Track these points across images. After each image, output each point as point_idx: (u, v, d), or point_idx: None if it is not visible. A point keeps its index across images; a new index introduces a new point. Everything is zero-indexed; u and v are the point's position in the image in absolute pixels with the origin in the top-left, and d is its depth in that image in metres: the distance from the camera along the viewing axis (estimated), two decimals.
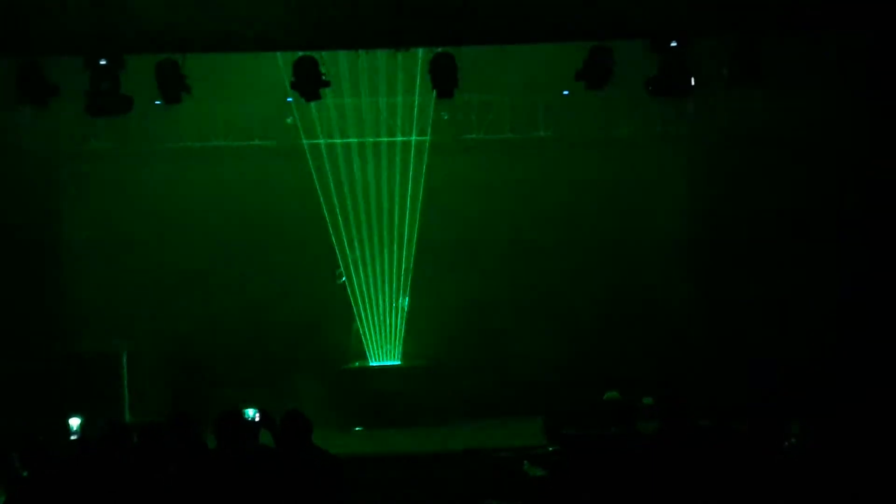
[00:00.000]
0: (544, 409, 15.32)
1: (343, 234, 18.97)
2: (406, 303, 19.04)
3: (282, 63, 15.63)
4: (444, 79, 13.34)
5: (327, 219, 18.86)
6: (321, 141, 18.89)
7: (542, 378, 18.72)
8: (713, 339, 18.21)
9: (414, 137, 19.02)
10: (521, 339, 19.40)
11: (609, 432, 10.02)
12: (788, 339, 17.43)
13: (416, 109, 18.69)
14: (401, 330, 19.11)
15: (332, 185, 18.87)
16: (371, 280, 19.11)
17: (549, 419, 14.75)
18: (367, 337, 19.05)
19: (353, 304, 18.98)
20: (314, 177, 18.76)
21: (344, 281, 18.96)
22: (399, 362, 19.03)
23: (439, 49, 13.38)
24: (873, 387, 15.22)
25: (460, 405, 18.45)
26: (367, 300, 19.08)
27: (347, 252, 18.97)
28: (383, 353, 19.08)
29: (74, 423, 14.53)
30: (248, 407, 9.67)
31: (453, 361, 18.85)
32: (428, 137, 19.02)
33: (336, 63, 15.98)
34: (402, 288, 19.08)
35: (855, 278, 17.16)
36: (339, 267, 18.98)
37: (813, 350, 17.06)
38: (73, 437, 14.08)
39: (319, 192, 18.80)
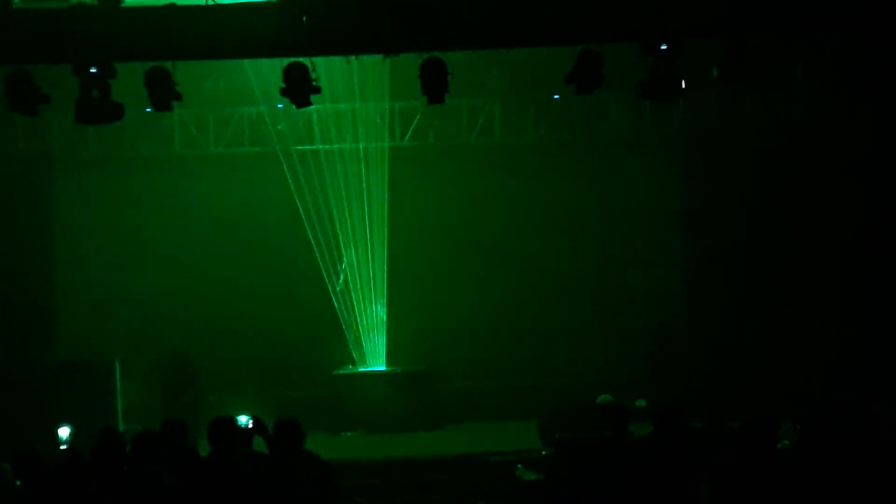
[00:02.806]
0: (538, 412, 15.34)
1: (330, 239, 18.96)
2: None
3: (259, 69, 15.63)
4: (434, 84, 13.28)
5: (309, 224, 18.81)
6: (309, 147, 18.90)
7: (535, 381, 18.76)
8: (706, 341, 18.20)
9: (401, 143, 19.06)
10: (513, 343, 19.43)
11: (602, 435, 10.01)
12: (783, 339, 17.45)
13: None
14: (382, 334, 19.11)
15: (321, 191, 18.86)
16: (358, 286, 19.10)
17: (544, 423, 14.77)
18: (354, 342, 19.03)
19: (337, 309, 18.96)
20: (294, 183, 18.72)
21: (342, 286, 18.97)
22: (384, 367, 19.01)
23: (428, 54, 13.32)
24: (868, 386, 15.25)
25: (454, 409, 18.46)
26: (353, 306, 19.07)
27: (326, 257, 18.94)
28: (369, 359, 19.07)
29: (64, 432, 14.46)
30: (241, 414, 9.68)
31: (446, 366, 18.87)
32: (415, 143, 19.03)
33: (324, 69, 15.96)
34: (380, 293, 19.09)
35: (851, 278, 17.19)
36: (339, 274, 18.97)
37: (809, 349, 17.08)
38: (62, 447, 14.01)
39: (308, 198, 18.79)
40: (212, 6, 12.37)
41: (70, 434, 14.70)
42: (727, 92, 17.86)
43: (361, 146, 18.99)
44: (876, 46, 14.76)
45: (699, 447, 8.91)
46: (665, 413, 9.08)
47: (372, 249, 19.06)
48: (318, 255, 18.85)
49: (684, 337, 18.44)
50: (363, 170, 18.99)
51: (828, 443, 8.54)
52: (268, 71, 16.33)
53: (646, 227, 19.49)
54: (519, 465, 13.33)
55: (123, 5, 12.46)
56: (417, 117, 18.86)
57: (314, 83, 13.19)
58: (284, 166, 18.68)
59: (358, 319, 19.06)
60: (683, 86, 13.22)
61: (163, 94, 13.21)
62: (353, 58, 14.74)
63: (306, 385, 18.89)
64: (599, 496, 9.52)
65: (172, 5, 12.41)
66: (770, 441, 8.59)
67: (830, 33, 14.71)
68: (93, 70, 12.86)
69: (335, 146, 19.02)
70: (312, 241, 18.83)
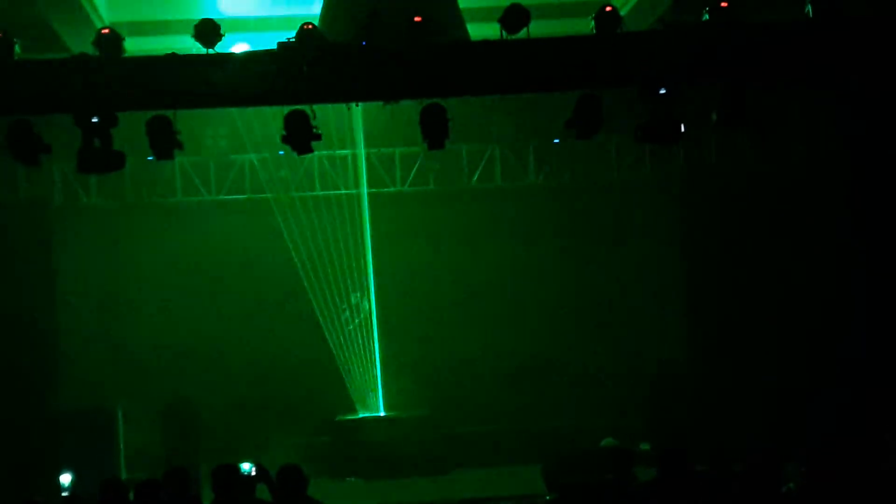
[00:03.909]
0: (542, 457, 15.27)
1: (325, 285, 18.98)
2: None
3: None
4: (434, 130, 13.33)
5: (304, 271, 18.82)
6: (309, 193, 18.98)
7: (539, 426, 18.69)
8: (708, 382, 18.14)
9: (402, 188, 19.14)
10: (515, 387, 19.36)
11: (607, 480, 9.97)
12: (784, 380, 17.40)
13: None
14: (377, 380, 19.10)
15: (316, 237, 18.90)
16: (363, 330, 19.11)
17: (548, 467, 14.71)
18: (355, 388, 19.02)
19: (336, 356, 18.95)
20: (293, 230, 18.77)
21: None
22: (385, 413, 18.98)
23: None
24: (869, 427, 15.19)
25: (457, 454, 18.39)
26: (353, 350, 19.07)
27: (322, 303, 18.95)
28: (370, 404, 19.04)
29: (66, 479, 14.40)
30: (244, 461, 9.65)
31: (448, 411, 18.82)
32: (416, 188, 19.12)
33: (324, 116, 16.07)
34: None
35: (853, 316, 17.16)
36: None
37: (812, 387, 17.03)
38: (64, 495, 13.95)
39: (303, 244, 18.82)
40: (213, 55, 12.44)
41: (72, 481, 14.65)
42: (726, 135, 17.92)
43: (362, 191, 19.07)
44: (876, 89, 14.83)
45: (703, 490, 8.87)
46: (669, 456, 9.06)
47: (373, 293, 19.09)
48: (314, 301, 18.86)
49: (687, 379, 18.38)
50: (364, 215, 19.05)
51: (833, 486, 8.50)
52: (269, 118, 16.42)
53: (646, 269, 19.49)
54: None
55: (124, 55, 12.54)
56: (418, 162, 18.95)
57: (315, 130, 13.24)
58: (278, 216, 18.77)
59: (358, 365, 19.04)
60: (683, 129, 13.23)
61: (164, 142, 13.22)
62: (353, 105, 14.81)
63: (309, 431, 18.85)
64: None
65: (173, 55, 12.49)
66: (773, 483, 8.55)
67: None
68: (94, 119, 12.89)
69: (335, 192, 19.10)
70: (308, 287, 18.84)
